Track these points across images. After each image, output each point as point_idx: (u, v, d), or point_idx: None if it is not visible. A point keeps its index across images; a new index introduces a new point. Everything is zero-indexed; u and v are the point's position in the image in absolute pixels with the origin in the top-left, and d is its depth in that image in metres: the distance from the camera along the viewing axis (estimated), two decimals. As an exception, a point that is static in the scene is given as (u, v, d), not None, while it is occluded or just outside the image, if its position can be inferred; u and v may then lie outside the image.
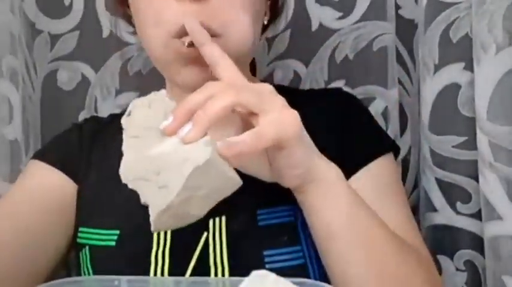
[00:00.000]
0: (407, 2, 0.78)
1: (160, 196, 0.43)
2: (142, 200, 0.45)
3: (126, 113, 0.47)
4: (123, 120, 0.47)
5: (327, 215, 0.51)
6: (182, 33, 0.54)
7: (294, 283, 0.39)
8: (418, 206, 0.73)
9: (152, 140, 0.45)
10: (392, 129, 0.76)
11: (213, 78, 0.57)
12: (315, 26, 0.80)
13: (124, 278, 0.48)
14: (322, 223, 0.51)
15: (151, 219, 0.44)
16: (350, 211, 0.51)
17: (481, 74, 0.61)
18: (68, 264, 0.68)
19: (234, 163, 0.46)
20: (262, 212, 0.57)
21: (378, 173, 0.60)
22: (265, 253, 0.55)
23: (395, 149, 0.65)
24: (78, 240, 0.62)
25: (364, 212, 0.52)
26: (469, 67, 0.65)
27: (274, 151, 0.48)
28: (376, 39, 0.77)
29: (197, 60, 0.55)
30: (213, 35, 0.54)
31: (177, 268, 0.55)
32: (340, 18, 0.79)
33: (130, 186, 0.45)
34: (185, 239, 0.56)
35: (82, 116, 0.81)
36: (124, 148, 0.47)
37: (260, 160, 0.50)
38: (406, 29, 0.78)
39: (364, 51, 0.77)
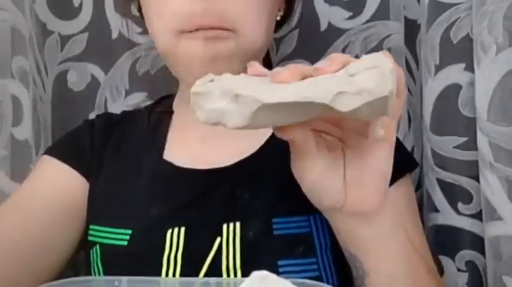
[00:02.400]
0: (410, 3, 0.77)
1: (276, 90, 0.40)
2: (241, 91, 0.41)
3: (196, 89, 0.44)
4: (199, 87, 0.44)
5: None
6: (193, 27, 0.55)
7: (294, 283, 0.38)
8: (421, 207, 0.73)
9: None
10: (399, 130, 0.76)
11: (226, 51, 0.56)
12: (323, 26, 0.79)
13: (124, 279, 0.48)
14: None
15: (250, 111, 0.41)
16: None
17: (481, 75, 0.60)
18: (74, 264, 0.69)
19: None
20: (277, 221, 0.56)
21: (399, 194, 0.59)
22: (280, 262, 0.54)
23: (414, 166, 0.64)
24: (89, 238, 0.62)
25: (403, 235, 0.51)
26: (470, 68, 0.64)
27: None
28: (386, 39, 0.76)
29: (214, 49, 0.55)
30: (225, 29, 0.55)
31: (188, 273, 0.55)
32: (350, 18, 0.78)
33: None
34: (198, 244, 0.56)
35: (92, 117, 0.81)
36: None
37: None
38: (409, 30, 0.77)
39: (374, 51, 0.77)
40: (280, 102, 0.39)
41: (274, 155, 0.60)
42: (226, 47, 0.57)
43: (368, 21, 0.78)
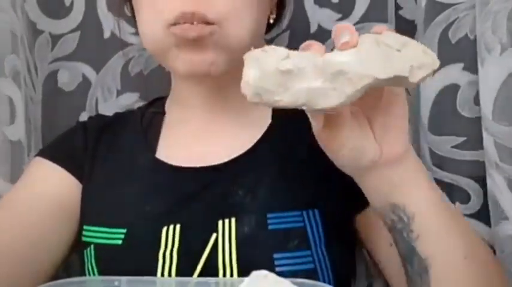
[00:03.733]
0: (407, 3, 0.78)
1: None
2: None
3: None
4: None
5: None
6: (178, 20, 0.55)
7: (294, 283, 0.39)
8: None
9: None
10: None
11: (213, 61, 0.57)
12: (313, 28, 0.80)
13: (124, 279, 0.48)
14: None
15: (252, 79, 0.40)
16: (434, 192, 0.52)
17: (485, 75, 0.61)
18: (66, 267, 0.69)
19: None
20: (272, 216, 0.57)
21: None
22: (275, 256, 0.55)
23: None
24: (83, 238, 0.62)
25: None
26: (468, 68, 0.66)
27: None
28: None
29: (196, 43, 0.55)
30: (208, 22, 0.55)
31: (184, 269, 0.55)
32: (340, 19, 0.79)
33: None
34: (194, 240, 0.57)
35: (83, 117, 0.81)
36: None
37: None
38: (406, 30, 0.78)
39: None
40: (388, 77, 0.40)
41: (268, 152, 0.62)
42: (210, 39, 0.56)
43: (357, 22, 0.78)
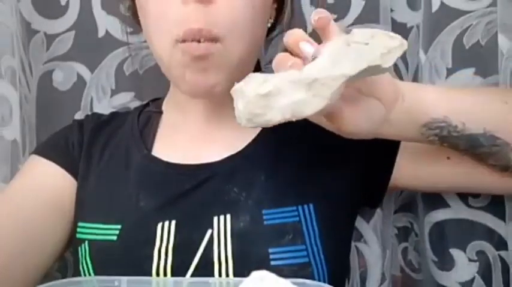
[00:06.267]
0: (399, 6, 0.79)
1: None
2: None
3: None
4: None
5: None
6: (186, 37, 0.56)
7: (294, 283, 0.40)
8: (429, 203, 0.74)
9: None
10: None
11: (216, 82, 0.58)
12: (310, 29, 0.80)
13: (124, 279, 0.48)
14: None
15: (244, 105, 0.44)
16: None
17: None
18: (60, 267, 0.69)
19: None
20: (267, 212, 0.58)
21: None
22: (271, 250, 0.56)
23: None
24: (78, 235, 0.62)
25: None
26: (480, 72, 0.68)
27: None
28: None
29: (202, 60, 0.56)
30: (213, 39, 0.56)
31: (180, 264, 0.56)
32: (335, 20, 0.79)
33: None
34: (189, 236, 0.57)
35: (78, 117, 0.81)
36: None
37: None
38: (397, 32, 0.78)
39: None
40: (359, 71, 0.44)
41: (262, 151, 0.62)
42: (213, 60, 0.57)
43: (352, 24, 0.79)
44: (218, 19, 0.56)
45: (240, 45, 0.58)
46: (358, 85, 0.49)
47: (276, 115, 0.44)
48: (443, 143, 0.54)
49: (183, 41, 0.56)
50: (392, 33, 0.46)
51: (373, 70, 0.45)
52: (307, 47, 0.46)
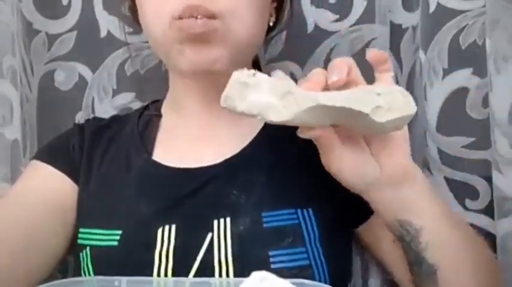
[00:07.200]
0: (395, 7, 0.78)
1: None
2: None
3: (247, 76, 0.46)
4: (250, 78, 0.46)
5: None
6: (184, 13, 0.55)
7: (294, 284, 0.39)
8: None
9: None
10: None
11: (217, 57, 0.57)
12: (310, 28, 0.80)
13: (124, 279, 0.48)
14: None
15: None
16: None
17: (499, 82, 0.62)
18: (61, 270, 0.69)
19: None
20: (266, 215, 0.58)
21: None
22: (271, 253, 0.56)
23: None
24: (79, 241, 0.62)
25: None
26: (477, 72, 0.68)
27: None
28: (372, 42, 0.78)
29: (201, 39, 0.56)
30: (211, 16, 0.55)
31: (181, 268, 0.56)
32: (336, 20, 0.79)
33: None
34: (189, 240, 0.57)
35: (79, 117, 0.81)
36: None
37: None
38: (393, 33, 0.79)
39: (360, 53, 0.78)
40: (333, 105, 0.43)
41: (261, 154, 0.62)
42: (216, 35, 0.57)
43: (354, 24, 0.79)
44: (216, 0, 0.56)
45: (240, 24, 0.58)
46: (370, 140, 0.50)
47: (242, 106, 0.45)
48: (399, 241, 0.55)
49: (180, 17, 0.55)
50: (409, 97, 0.46)
51: (364, 120, 0.45)
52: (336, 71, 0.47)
